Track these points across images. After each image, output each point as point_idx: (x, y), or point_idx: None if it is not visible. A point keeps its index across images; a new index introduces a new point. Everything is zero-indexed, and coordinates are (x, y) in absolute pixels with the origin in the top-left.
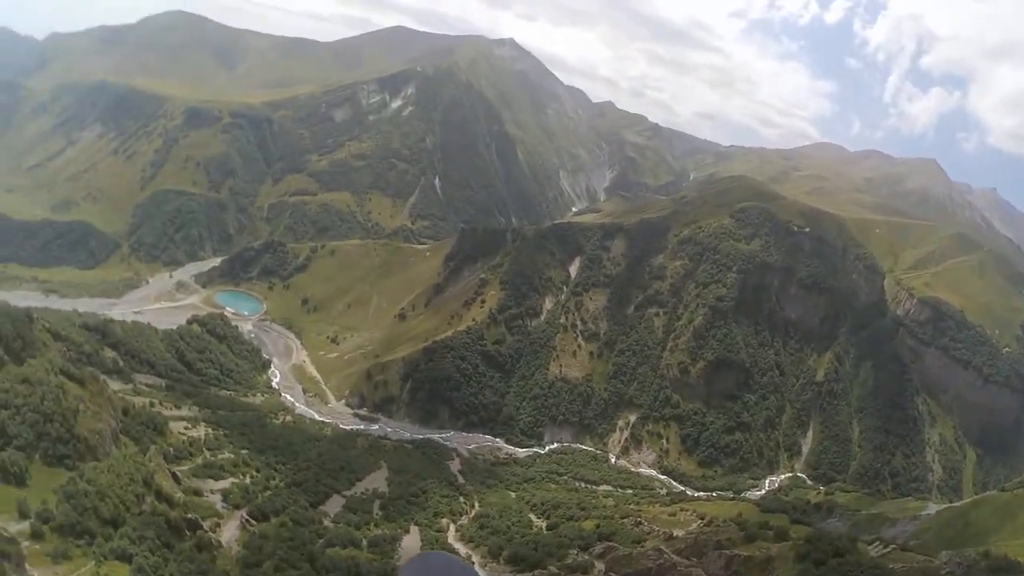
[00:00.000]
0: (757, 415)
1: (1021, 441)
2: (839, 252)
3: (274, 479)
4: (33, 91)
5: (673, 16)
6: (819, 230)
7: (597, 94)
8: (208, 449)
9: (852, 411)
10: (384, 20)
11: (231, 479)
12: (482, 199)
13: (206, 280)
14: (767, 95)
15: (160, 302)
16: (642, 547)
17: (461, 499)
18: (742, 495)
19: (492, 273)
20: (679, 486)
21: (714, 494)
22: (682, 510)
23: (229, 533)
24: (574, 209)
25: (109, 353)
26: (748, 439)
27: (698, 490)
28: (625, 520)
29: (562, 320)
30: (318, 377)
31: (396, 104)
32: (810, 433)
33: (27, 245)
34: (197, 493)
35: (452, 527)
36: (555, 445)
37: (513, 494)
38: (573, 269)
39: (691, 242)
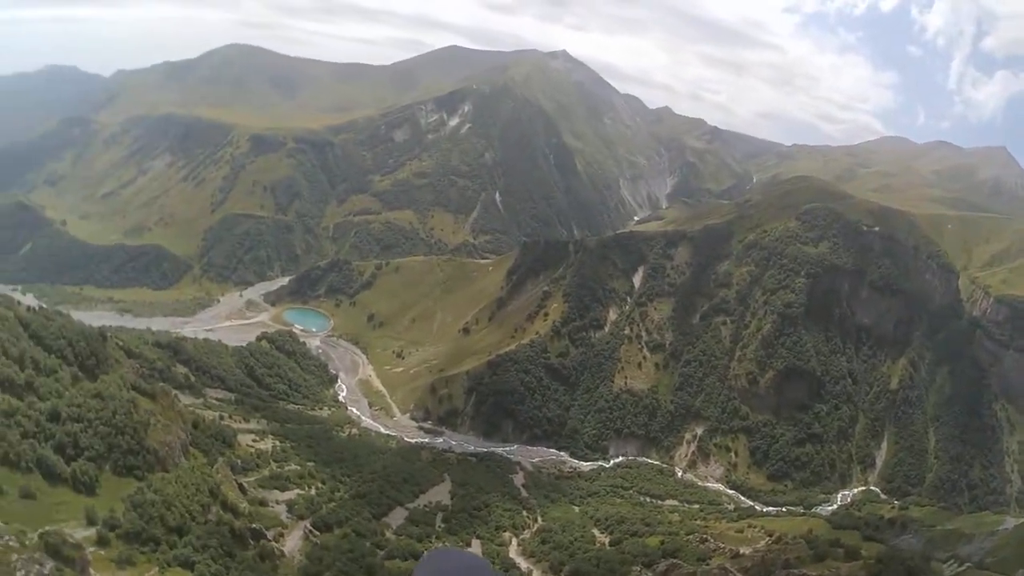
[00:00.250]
0: (829, 426)
1: None
2: (911, 251)
3: (339, 491)
4: (104, 125)
5: (725, 16)
6: (889, 229)
7: (653, 100)
8: (275, 461)
9: (928, 420)
10: (436, 41)
11: (296, 490)
12: (543, 211)
13: (275, 299)
14: (828, 90)
15: (231, 320)
16: (707, 565)
17: (524, 513)
18: (813, 510)
19: (555, 286)
20: (747, 501)
21: (784, 509)
22: (750, 526)
23: (292, 543)
24: (636, 218)
25: (181, 369)
26: (820, 451)
27: (767, 505)
28: (690, 537)
29: (626, 331)
30: (384, 391)
31: (454, 122)
32: (884, 444)
33: (102, 268)
34: (263, 504)
35: (514, 541)
36: (620, 459)
37: (577, 509)
38: (636, 279)
39: (757, 247)
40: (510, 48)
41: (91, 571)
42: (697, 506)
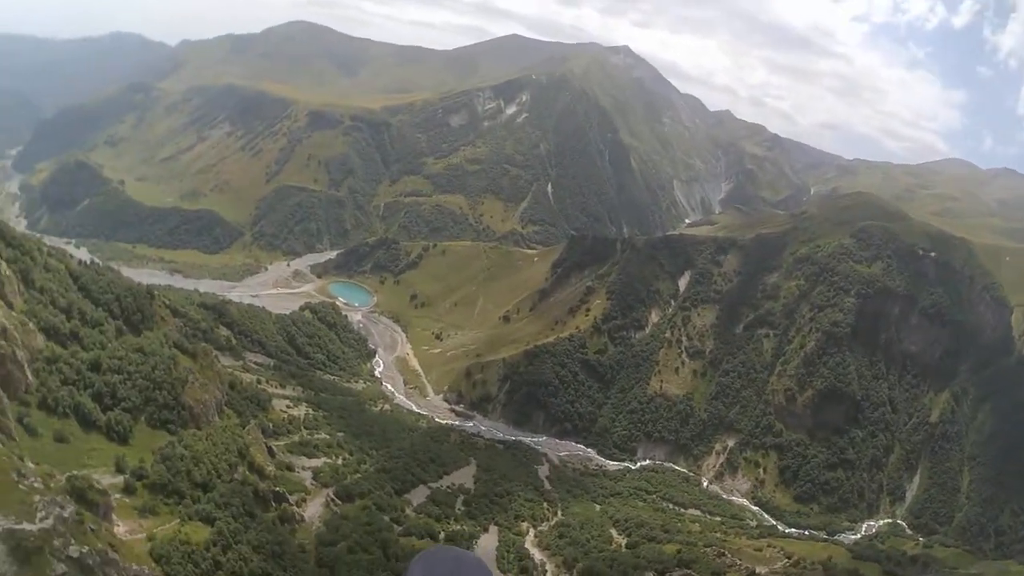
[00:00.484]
0: (863, 453)
1: None
2: (966, 281)
3: (365, 463)
4: (166, 92)
5: (793, 22)
6: (945, 255)
7: (715, 103)
8: (306, 428)
9: (964, 458)
10: (498, 29)
11: (324, 459)
12: (593, 207)
13: (321, 271)
14: (894, 105)
15: (276, 288)
16: None
17: (545, 505)
18: (836, 537)
19: (599, 282)
20: (770, 519)
21: (806, 533)
22: (769, 546)
23: (313, 510)
24: (687, 221)
25: (223, 331)
26: (850, 478)
27: (790, 526)
28: (708, 549)
29: (667, 335)
30: (419, 370)
31: (511, 111)
32: (917, 478)
33: (156, 228)
34: (289, 468)
35: (531, 532)
36: (647, 462)
37: (598, 507)
38: (682, 283)
39: (808, 261)
40: (571, 40)
41: (114, 517)
42: (719, 519)
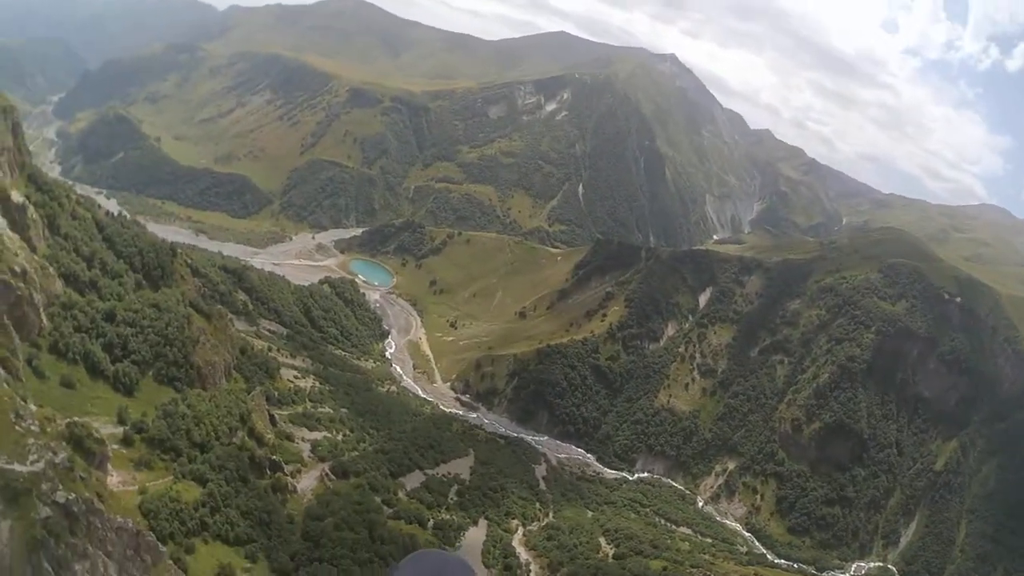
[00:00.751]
0: (863, 492)
1: None
2: (989, 330)
3: (364, 442)
4: (211, 54)
5: (844, 47)
6: (971, 302)
7: (756, 121)
8: (311, 400)
9: (964, 510)
10: (547, 24)
11: (324, 432)
12: (623, 212)
13: (345, 247)
14: (938, 144)
15: (299, 259)
16: None
17: (537, 505)
18: (824, 574)
19: (620, 288)
20: (761, 548)
21: (795, 566)
22: (756, 574)
23: (307, 482)
24: (715, 237)
25: (241, 296)
26: (847, 516)
27: (780, 557)
28: (695, 570)
29: (681, 349)
30: (430, 356)
31: (550, 107)
32: (914, 524)
33: (187, 188)
34: (289, 438)
35: (520, 530)
36: (645, 474)
37: (590, 513)
38: (703, 299)
39: (832, 292)
40: (619, 43)
41: (109, 467)
42: (710, 540)
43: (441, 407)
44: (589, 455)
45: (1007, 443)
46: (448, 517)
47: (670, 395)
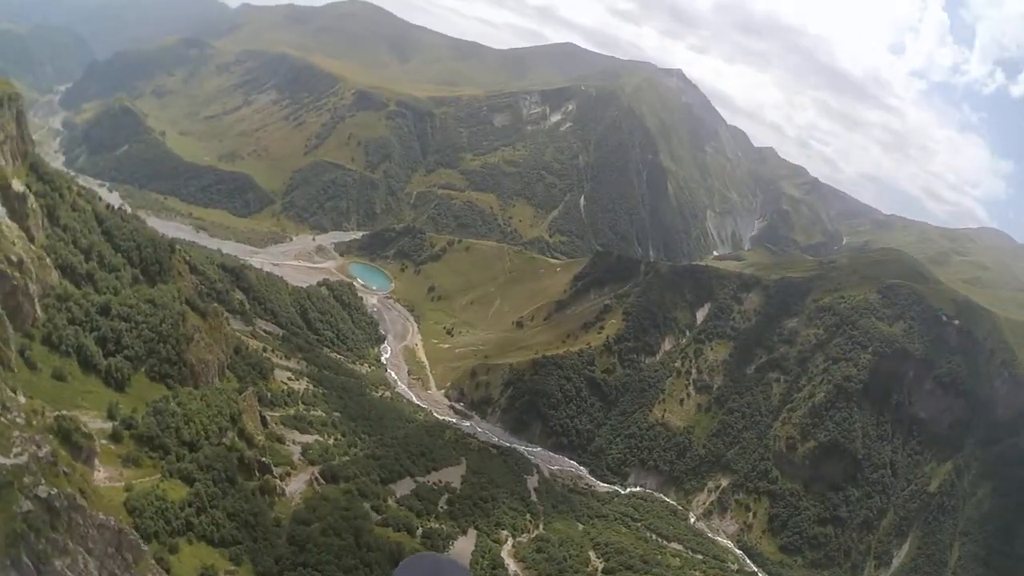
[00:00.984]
0: (856, 512)
1: None
2: (986, 353)
3: (355, 447)
4: (220, 51)
5: (852, 68)
6: (969, 324)
7: (760, 138)
8: (304, 403)
9: (957, 532)
10: (555, 35)
11: (316, 436)
12: (623, 225)
13: (344, 249)
14: (940, 166)
15: (298, 260)
16: None
17: (528, 516)
18: None
19: (618, 301)
20: (752, 566)
21: None
22: None
23: (296, 485)
24: (715, 253)
25: (238, 295)
26: (839, 535)
27: (771, 575)
28: None
29: (677, 364)
30: (426, 363)
31: (555, 118)
32: (906, 546)
33: (190, 184)
34: (280, 440)
35: (510, 541)
36: (637, 489)
37: (581, 527)
38: (701, 314)
39: (830, 311)
40: (626, 56)
41: (96, 462)
42: (700, 557)
43: (435, 414)
44: (582, 468)
45: (1002, 466)
46: (437, 526)
47: (665, 410)
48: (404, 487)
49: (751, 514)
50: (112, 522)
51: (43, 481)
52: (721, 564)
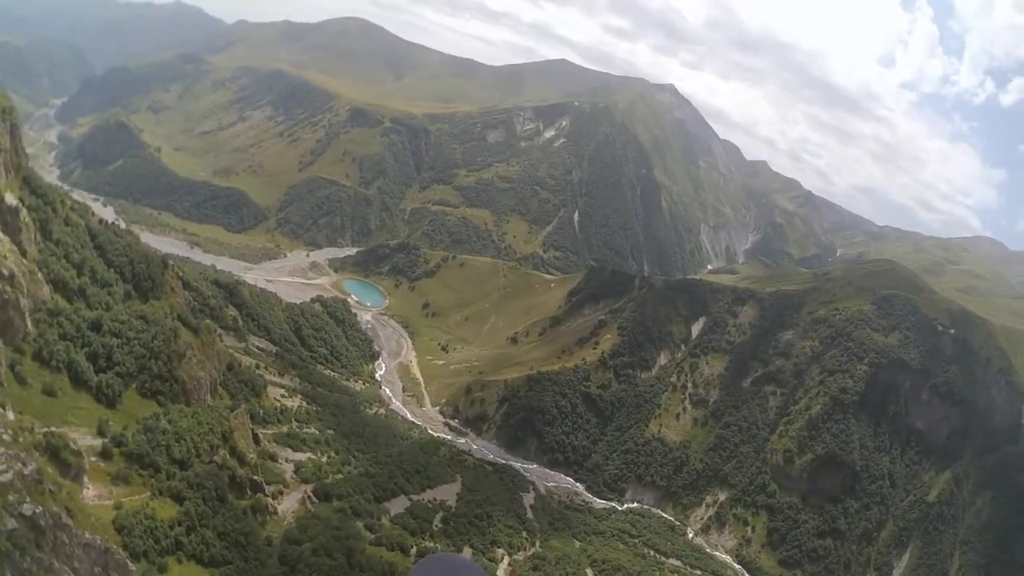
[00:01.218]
0: (855, 524)
1: None
2: (982, 362)
3: (349, 464)
4: (215, 67)
5: (843, 81)
6: (964, 333)
7: (753, 152)
8: (297, 420)
9: (957, 541)
10: (551, 52)
11: (309, 454)
12: (618, 241)
13: (339, 266)
14: (932, 176)
15: (292, 276)
16: None
17: (524, 534)
18: None
19: (612, 316)
20: None
21: None
22: None
23: (288, 504)
24: (709, 267)
25: (232, 311)
26: (839, 548)
27: None
28: None
29: (673, 379)
30: (420, 379)
31: (549, 134)
32: (906, 557)
33: (184, 200)
34: (272, 458)
35: (506, 560)
36: (634, 504)
37: (577, 544)
38: (696, 328)
39: (825, 323)
40: (619, 72)
41: (85, 479)
42: (699, 572)
43: (429, 431)
44: (578, 484)
45: (1000, 474)
46: (432, 545)
47: (661, 425)
48: (398, 505)
49: (749, 528)
50: (98, 541)
51: (28, 499)
52: None
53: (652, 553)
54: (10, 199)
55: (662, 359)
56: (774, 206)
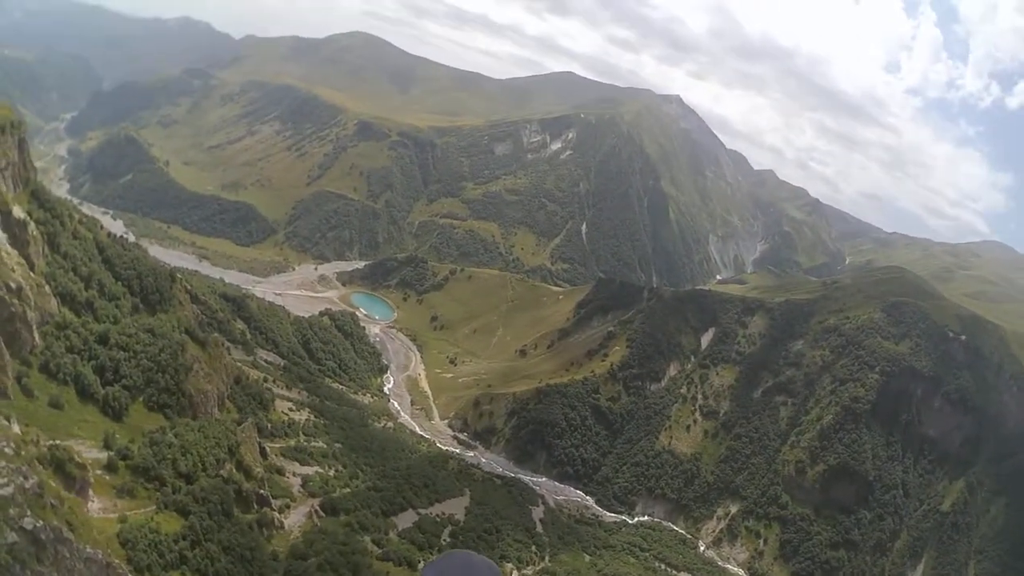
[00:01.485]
0: (868, 535)
1: None
2: (994, 368)
3: (357, 478)
4: (224, 82)
5: (848, 88)
6: (976, 340)
7: (760, 161)
8: (304, 434)
9: (972, 550)
10: (556, 65)
11: (316, 467)
12: (626, 252)
13: (347, 279)
14: (939, 182)
15: (300, 290)
16: None
17: (533, 548)
18: None
19: (621, 328)
20: None
21: None
22: None
23: (295, 518)
24: (718, 277)
25: (240, 325)
26: (852, 559)
27: None
28: None
29: (683, 390)
30: (429, 393)
31: (556, 146)
32: (921, 567)
33: (193, 213)
34: (279, 472)
35: (515, 574)
36: (645, 518)
37: (587, 558)
38: (705, 339)
39: (836, 332)
40: (625, 84)
41: (90, 492)
42: None
43: (438, 445)
44: (588, 497)
45: (1015, 481)
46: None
47: (671, 437)
48: (406, 519)
49: (762, 540)
50: (100, 555)
51: (29, 513)
52: None
53: (663, 567)
54: (18, 212)
55: (672, 370)
56: (782, 215)
